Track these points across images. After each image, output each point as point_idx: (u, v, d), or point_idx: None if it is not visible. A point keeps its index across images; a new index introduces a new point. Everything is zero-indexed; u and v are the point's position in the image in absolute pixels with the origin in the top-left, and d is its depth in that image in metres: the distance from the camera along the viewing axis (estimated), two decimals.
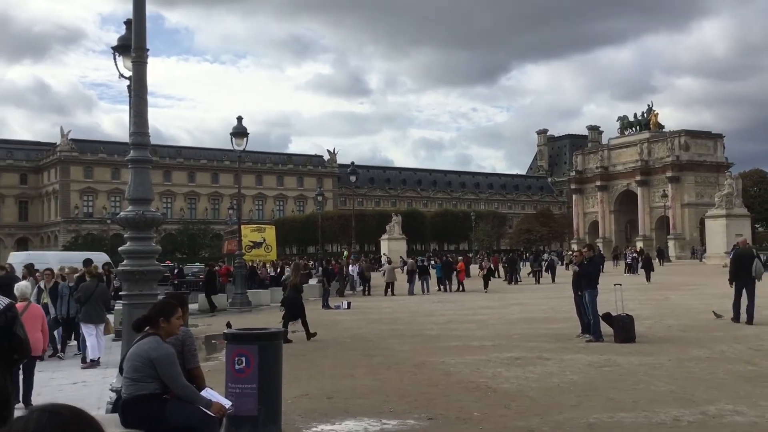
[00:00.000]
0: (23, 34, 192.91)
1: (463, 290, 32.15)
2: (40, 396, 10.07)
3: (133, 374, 5.02)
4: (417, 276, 32.55)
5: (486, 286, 31.98)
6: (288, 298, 16.44)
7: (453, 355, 12.45)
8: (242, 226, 32.77)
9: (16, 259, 28.33)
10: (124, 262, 7.11)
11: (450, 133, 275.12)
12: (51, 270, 15.23)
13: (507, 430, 7.34)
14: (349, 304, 24.73)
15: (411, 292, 30.89)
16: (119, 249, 7.43)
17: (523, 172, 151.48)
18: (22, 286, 9.73)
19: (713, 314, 16.97)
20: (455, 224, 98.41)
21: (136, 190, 7.06)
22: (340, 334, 16.71)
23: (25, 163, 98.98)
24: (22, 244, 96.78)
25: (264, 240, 44.67)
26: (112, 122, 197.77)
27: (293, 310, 15.87)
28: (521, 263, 45.55)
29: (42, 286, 14.25)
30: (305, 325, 15.66)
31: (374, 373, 10.93)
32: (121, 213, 7.21)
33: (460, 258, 39.84)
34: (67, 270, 15.33)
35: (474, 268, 43.77)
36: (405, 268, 34.87)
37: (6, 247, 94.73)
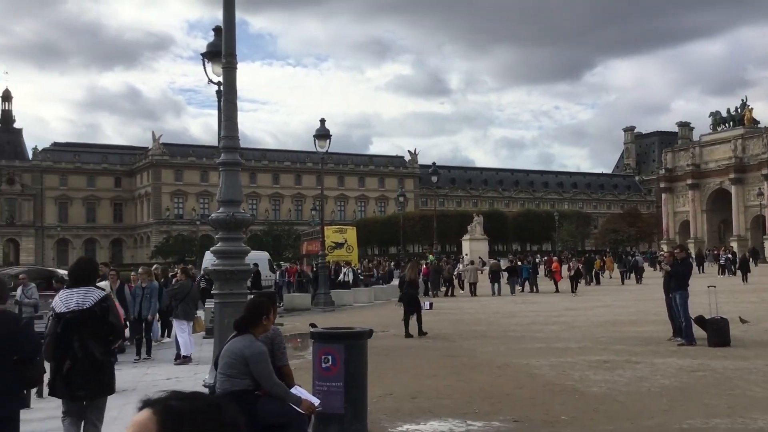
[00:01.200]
0: (114, 42, 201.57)
1: (557, 291, 31.47)
2: (136, 391, 10.51)
3: (227, 370, 5.18)
4: (502, 277, 32.14)
5: (574, 288, 30.86)
6: (406, 294, 16.96)
7: (537, 357, 12.28)
8: (324, 227, 33.53)
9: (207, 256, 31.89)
10: (216, 261, 7.33)
11: (532, 131, 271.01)
12: (116, 271, 15.14)
13: None
14: (431, 304, 24.71)
15: (496, 293, 30.56)
16: (211, 249, 7.68)
17: (609, 171, 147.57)
18: (103, 284, 11.04)
19: (739, 320, 15.28)
20: (538, 224, 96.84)
21: (227, 192, 7.26)
22: None
23: (119, 167, 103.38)
24: (117, 245, 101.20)
25: (345, 241, 45.33)
26: (199, 126, 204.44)
27: (411, 305, 16.36)
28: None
29: (108, 287, 14.16)
30: (419, 321, 16.25)
31: (457, 374, 10.89)
32: (213, 214, 7.44)
33: (554, 258, 39.33)
34: (140, 270, 15.12)
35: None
36: (487, 269, 34.57)
37: (102, 247, 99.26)
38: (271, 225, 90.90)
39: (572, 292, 30.22)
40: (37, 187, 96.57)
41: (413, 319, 16.23)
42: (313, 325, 8.31)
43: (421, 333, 16.06)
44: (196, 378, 10.63)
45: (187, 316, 13.59)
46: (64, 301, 5.78)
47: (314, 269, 33.19)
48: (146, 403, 1.57)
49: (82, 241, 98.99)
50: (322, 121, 25.11)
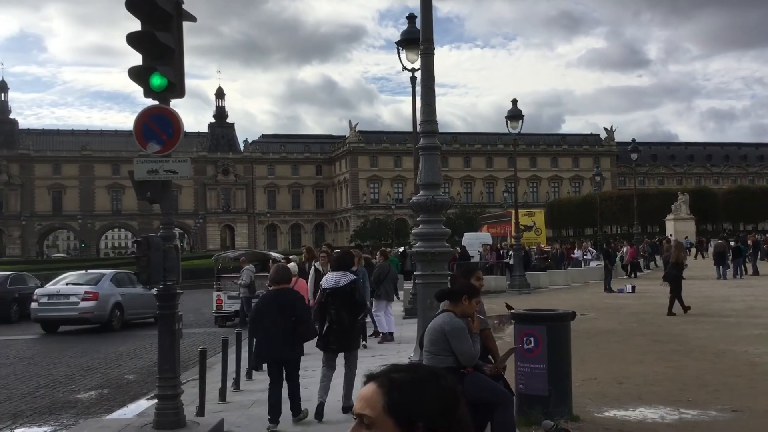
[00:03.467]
0: (311, 37, 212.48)
1: None
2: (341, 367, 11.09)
3: (430, 348, 5.33)
4: (726, 258, 29.27)
5: None
6: (669, 274, 17.28)
7: (757, 344, 11.35)
8: (513, 211, 33.83)
9: (466, 239, 36.84)
10: (417, 244, 7.54)
11: (743, 101, 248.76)
12: (326, 253, 14.23)
13: None
14: (633, 287, 23.64)
15: (722, 276, 28.21)
16: (412, 232, 7.91)
17: None
18: (290, 266, 11.92)
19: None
20: (752, 202, 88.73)
21: (426, 175, 7.43)
22: (626, 318, 16.07)
23: (319, 155, 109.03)
24: (319, 229, 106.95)
25: (534, 224, 45.12)
26: (390, 113, 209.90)
27: (676, 285, 16.52)
28: None
29: (320, 268, 13.33)
30: (680, 300, 16.32)
31: (666, 360, 10.36)
32: (413, 198, 7.65)
33: None
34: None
35: None
36: (712, 250, 31.89)
37: (306, 232, 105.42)
38: (463, 208, 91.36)
39: None
40: (249, 176, 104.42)
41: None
42: (508, 306, 8.29)
43: (686, 309, 16.08)
44: (399, 356, 11.02)
45: (388, 296, 14.14)
46: (328, 280, 7.90)
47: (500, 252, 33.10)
48: (370, 377, 1.68)
49: (288, 226, 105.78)
50: (514, 101, 24.77)
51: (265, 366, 8.40)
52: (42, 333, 18.41)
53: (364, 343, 12.32)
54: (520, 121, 24.72)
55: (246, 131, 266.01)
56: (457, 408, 1.63)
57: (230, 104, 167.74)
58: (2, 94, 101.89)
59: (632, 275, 31.62)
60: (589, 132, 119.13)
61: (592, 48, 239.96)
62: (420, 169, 7.54)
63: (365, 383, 1.67)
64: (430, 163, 7.48)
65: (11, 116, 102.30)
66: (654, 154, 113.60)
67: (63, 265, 51.48)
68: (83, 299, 17.97)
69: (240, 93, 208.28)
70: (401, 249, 33.50)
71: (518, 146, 37.57)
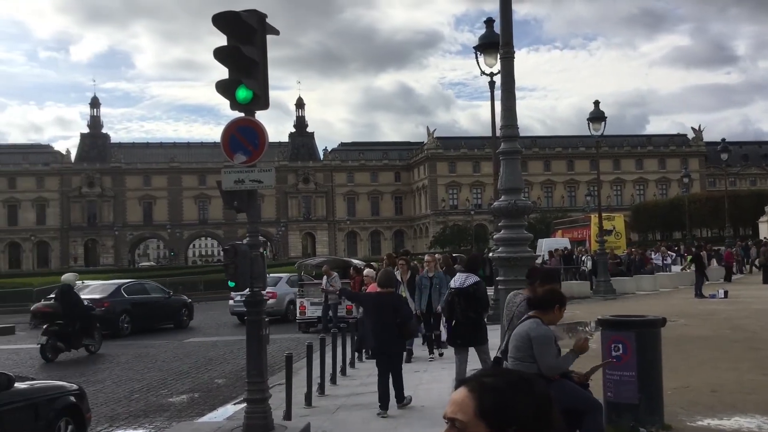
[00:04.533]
0: (387, 44, 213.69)
1: None
2: (426, 372, 11.12)
3: (515, 354, 5.28)
4: None
5: None
6: None
7: None
8: (592, 215, 33.27)
9: (544, 245, 36.66)
10: (499, 249, 7.50)
11: None
12: (405, 260, 14.06)
13: None
14: (725, 293, 22.70)
15: None
16: (494, 237, 7.87)
17: None
18: (367, 272, 12.90)
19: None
20: None
21: (507, 179, 7.40)
22: (718, 324, 15.45)
23: (398, 162, 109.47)
24: (399, 236, 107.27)
25: (614, 228, 44.13)
26: (467, 118, 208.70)
27: None
28: None
29: (399, 277, 12.65)
30: None
31: (763, 368, 9.91)
32: (495, 203, 7.62)
33: None
34: (427, 258, 13.64)
35: None
36: None
37: (385, 239, 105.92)
38: (544, 213, 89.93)
39: None
40: (329, 184, 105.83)
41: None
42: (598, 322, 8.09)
43: None
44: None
45: None
46: (456, 280, 8.71)
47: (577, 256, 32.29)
48: (461, 382, 1.69)
49: (368, 233, 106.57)
50: (596, 103, 24.28)
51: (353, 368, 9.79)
52: (134, 339, 19.24)
53: (441, 351, 12.26)
54: (603, 123, 24.19)
55: (325, 140, 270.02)
56: (550, 414, 1.63)
57: (309, 114, 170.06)
58: (95, 110, 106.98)
59: (725, 280, 30.38)
60: (675, 132, 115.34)
61: (677, 46, 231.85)
62: (501, 174, 7.51)
63: (456, 387, 1.69)
64: (511, 167, 7.44)
65: (103, 131, 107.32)
66: (745, 153, 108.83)
67: (153, 273, 53.50)
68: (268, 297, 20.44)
69: (318, 102, 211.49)
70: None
71: (601, 148, 36.78)
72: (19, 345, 18.83)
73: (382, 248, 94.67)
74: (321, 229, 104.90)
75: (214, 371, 13.22)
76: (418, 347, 12.92)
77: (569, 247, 36.72)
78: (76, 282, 18.11)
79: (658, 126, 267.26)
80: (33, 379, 7.19)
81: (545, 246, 36.79)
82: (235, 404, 9.76)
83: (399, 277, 12.36)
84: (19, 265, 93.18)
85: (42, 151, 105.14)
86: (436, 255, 23.12)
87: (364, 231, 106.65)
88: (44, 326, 15.71)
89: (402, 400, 8.45)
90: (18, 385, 6.07)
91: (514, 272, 7.33)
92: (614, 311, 15.80)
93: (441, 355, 12.27)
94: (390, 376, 8.25)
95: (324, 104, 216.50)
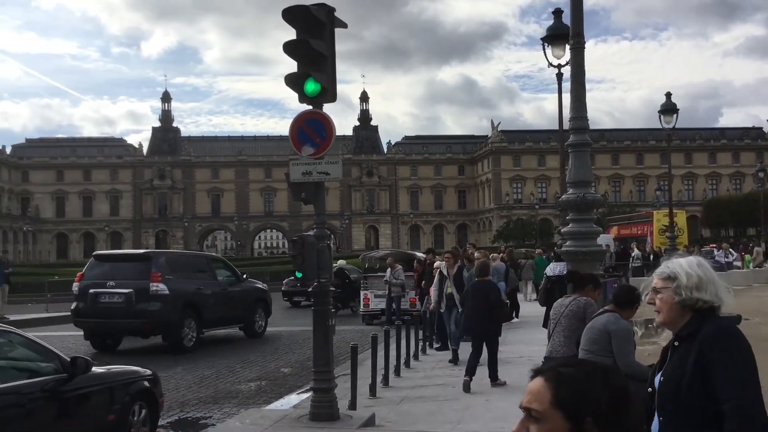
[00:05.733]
0: (450, 37, 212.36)
1: None
2: (510, 364, 11.06)
3: (589, 346, 5.20)
4: None
5: None
6: None
7: None
8: (654, 212, 32.62)
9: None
10: (567, 243, 7.39)
11: None
12: (451, 254, 13.05)
13: None
14: None
15: None
16: (562, 230, 7.76)
17: None
18: (436, 264, 12.88)
19: None
20: None
21: (576, 172, 7.28)
22: None
23: (461, 155, 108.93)
24: (462, 230, 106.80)
25: (676, 224, 42.98)
26: (532, 111, 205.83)
27: None
28: None
29: (445, 272, 12.50)
30: None
31: None
32: (563, 196, 7.51)
33: None
34: (477, 254, 13.12)
35: None
36: None
37: (448, 232, 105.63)
38: (612, 207, 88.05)
39: None
40: (392, 177, 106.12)
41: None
42: None
43: None
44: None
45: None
46: (551, 269, 10.01)
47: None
48: (537, 372, 1.68)
49: (431, 227, 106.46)
50: (668, 95, 23.58)
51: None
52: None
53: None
54: (675, 115, 23.50)
55: (388, 133, 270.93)
56: (628, 405, 1.61)
57: (372, 107, 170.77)
58: (166, 105, 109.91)
59: None
60: (750, 125, 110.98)
61: (752, 35, 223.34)
62: (569, 167, 7.39)
63: (532, 377, 1.68)
64: (581, 160, 7.31)
65: (174, 125, 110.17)
66: None
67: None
68: None
69: (381, 96, 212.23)
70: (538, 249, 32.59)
71: (672, 142, 35.71)
72: None
73: (445, 242, 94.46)
74: (384, 222, 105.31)
75: (280, 360, 13.46)
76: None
77: (610, 244, 34.96)
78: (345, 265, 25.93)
79: (732, 118, 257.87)
80: (109, 364, 7.46)
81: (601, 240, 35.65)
82: (299, 393, 9.93)
83: (445, 272, 12.37)
84: None
85: (116, 144, 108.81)
86: (503, 249, 22.88)
87: (427, 224, 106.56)
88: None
89: (496, 380, 9.29)
90: (95, 369, 6.30)
91: (582, 266, 7.21)
92: None
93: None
94: (480, 354, 9.34)
95: (387, 98, 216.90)
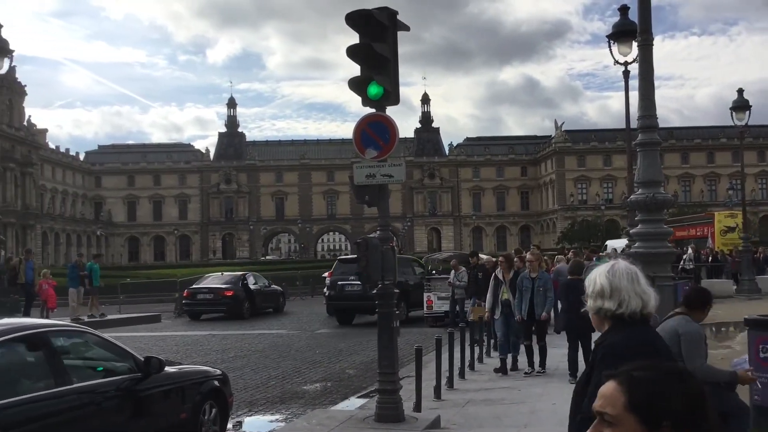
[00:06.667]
0: (511, 36, 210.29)
1: None
2: (558, 370, 10.88)
3: None
4: None
5: None
6: None
7: None
8: (716, 213, 31.78)
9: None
10: (637, 244, 7.23)
11: None
12: (506, 257, 12.15)
13: None
14: None
15: None
16: (631, 231, 7.60)
17: None
18: None
19: None
20: None
21: (645, 172, 7.12)
22: None
23: (524, 156, 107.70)
24: (525, 232, 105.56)
25: (737, 225, 41.58)
26: (596, 110, 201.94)
27: None
28: None
29: (500, 276, 11.51)
30: None
31: None
32: (631, 196, 7.36)
33: None
34: (529, 256, 11.77)
35: None
36: None
37: (511, 234, 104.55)
38: (681, 207, 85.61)
39: None
40: (454, 179, 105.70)
41: None
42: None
43: None
44: None
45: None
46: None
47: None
48: (611, 376, 1.67)
49: (493, 229, 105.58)
50: (740, 91, 22.89)
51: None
52: (263, 330, 20.11)
53: (541, 369, 10.97)
54: (747, 112, 22.76)
55: (448, 135, 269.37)
56: (705, 408, 1.58)
57: (433, 109, 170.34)
58: (231, 110, 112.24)
59: None
60: None
61: None
62: (638, 166, 7.24)
63: (605, 381, 1.67)
64: (650, 159, 7.15)
65: (239, 130, 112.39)
66: None
67: (287, 266, 55.52)
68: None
69: (442, 97, 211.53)
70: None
71: (745, 139, 34.54)
72: (165, 332, 20.10)
73: (508, 244, 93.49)
74: (446, 224, 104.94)
75: (344, 362, 13.56)
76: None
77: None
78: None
79: None
80: (180, 364, 7.66)
81: (610, 246, 34.21)
82: (358, 396, 9.99)
83: (500, 276, 11.45)
84: (164, 258, 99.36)
85: (184, 149, 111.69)
86: (571, 251, 22.36)
87: (490, 226, 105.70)
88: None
89: (575, 377, 9.19)
90: (168, 368, 6.47)
91: (652, 268, 7.03)
92: (762, 311, 14.85)
93: (541, 372, 10.77)
94: (578, 348, 9.65)
95: (447, 99, 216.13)
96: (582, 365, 9.35)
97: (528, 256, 11.59)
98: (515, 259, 11.74)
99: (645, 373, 1.61)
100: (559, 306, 12.05)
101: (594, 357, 2.63)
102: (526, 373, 10.77)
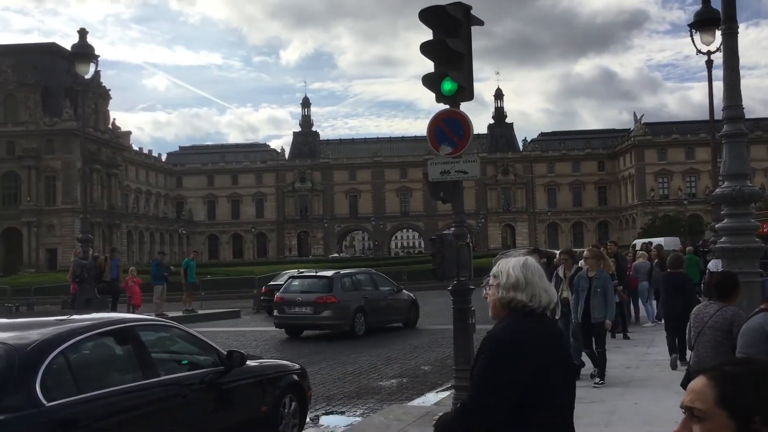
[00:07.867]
0: (587, 28, 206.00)
1: None
2: (639, 369, 10.64)
3: (746, 350, 4.89)
4: None
5: None
6: None
7: None
8: None
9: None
10: (723, 239, 6.98)
11: None
12: (567, 254, 11.34)
13: None
14: None
15: None
16: (717, 226, 7.35)
17: None
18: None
19: None
20: None
21: (732, 164, 6.87)
22: None
23: (601, 150, 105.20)
24: (602, 227, 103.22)
25: None
26: (677, 101, 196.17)
27: None
28: None
29: (561, 274, 10.74)
30: None
31: None
32: (717, 190, 7.12)
33: None
34: (586, 253, 10.48)
35: None
36: None
37: (588, 230, 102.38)
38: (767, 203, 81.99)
39: None
40: (528, 175, 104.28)
41: None
42: None
43: None
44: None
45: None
46: (714, 264, 10.85)
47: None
48: (701, 371, 1.64)
49: (569, 225, 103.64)
50: None
51: None
52: None
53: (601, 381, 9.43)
54: None
55: (522, 130, 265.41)
56: None
57: (507, 104, 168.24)
58: (305, 110, 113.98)
59: None
60: None
61: None
62: (723, 159, 6.99)
63: (694, 377, 1.65)
64: (736, 151, 6.89)
65: (313, 129, 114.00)
66: None
67: (359, 264, 55.96)
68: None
69: (514, 92, 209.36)
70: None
71: None
72: (245, 328, 20.60)
73: (585, 240, 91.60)
74: (521, 220, 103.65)
75: (420, 358, 13.60)
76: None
77: (663, 244, 31.18)
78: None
79: None
80: (261, 358, 7.83)
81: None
82: (437, 392, 9.98)
83: (561, 274, 10.63)
84: (242, 255, 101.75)
85: (260, 149, 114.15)
86: (652, 246, 21.52)
87: (566, 222, 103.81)
88: None
89: (684, 360, 9.46)
90: (249, 363, 6.63)
91: (739, 264, 6.78)
92: None
93: (599, 384, 9.32)
94: (676, 334, 9.93)
95: (520, 94, 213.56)
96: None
97: (585, 253, 10.50)
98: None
99: (737, 368, 1.59)
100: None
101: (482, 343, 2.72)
102: (594, 384, 9.34)
